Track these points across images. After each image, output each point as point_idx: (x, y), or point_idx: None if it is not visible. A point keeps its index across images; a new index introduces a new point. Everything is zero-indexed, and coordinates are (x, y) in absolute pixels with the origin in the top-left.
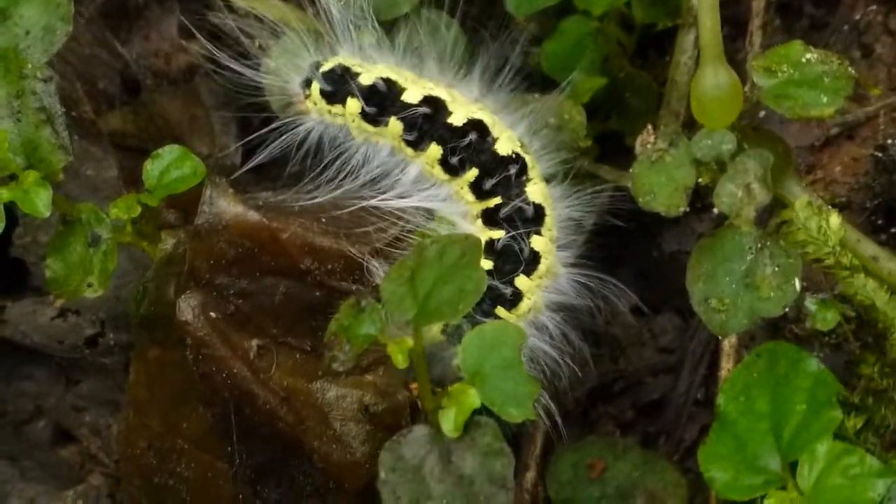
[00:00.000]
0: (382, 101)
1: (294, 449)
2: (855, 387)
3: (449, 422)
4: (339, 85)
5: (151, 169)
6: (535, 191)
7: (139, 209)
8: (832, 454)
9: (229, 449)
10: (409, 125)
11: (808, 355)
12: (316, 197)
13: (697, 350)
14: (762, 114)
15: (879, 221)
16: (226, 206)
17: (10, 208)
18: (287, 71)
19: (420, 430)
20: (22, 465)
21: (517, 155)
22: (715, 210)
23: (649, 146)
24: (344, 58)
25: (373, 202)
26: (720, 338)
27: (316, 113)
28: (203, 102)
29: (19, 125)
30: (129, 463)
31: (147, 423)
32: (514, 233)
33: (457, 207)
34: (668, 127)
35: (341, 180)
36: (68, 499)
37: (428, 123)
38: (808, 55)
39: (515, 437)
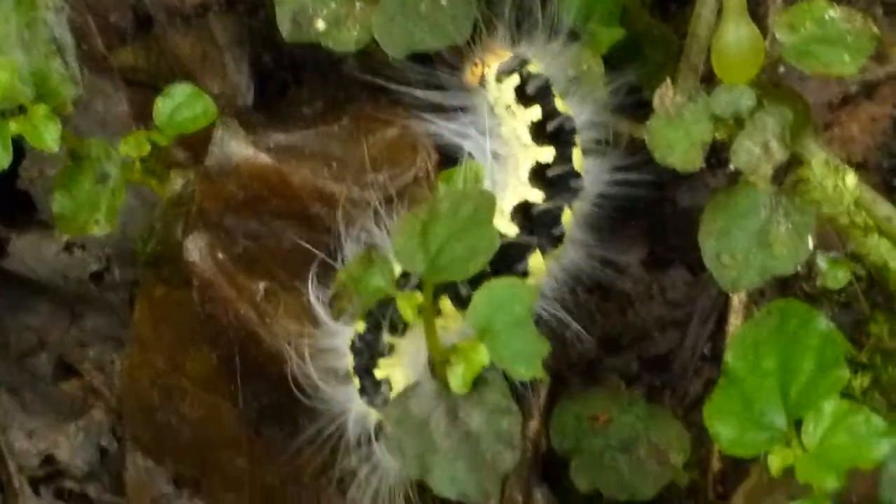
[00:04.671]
0: None
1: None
2: (863, 345)
3: (457, 378)
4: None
5: (162, 107)
6: (579, 160)
7: (149, 147)
8: (838, 413)
9: (233, 390)
10: None
11: (818, 314)
12: (330, 140)
13: (706, 305)
14: (781, 69)
15: (895, 182)
16: (236, 147)
17: (18, 140)
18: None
19: (427, 385)
20: (23, 398)
21: (570, 116)
22: (731, 166)
23: (667, 101)
24: (535, 64)
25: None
26: (730, 294)
27: (488, 96)
28: (216, 40)
29: (29, 56)
30: (132, 399)
31: (151, 360)
32: (554, 200)
33: (505, 148)
34: (687, 81)
35: None
36: (70, 432)
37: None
38: (832, 12)
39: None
